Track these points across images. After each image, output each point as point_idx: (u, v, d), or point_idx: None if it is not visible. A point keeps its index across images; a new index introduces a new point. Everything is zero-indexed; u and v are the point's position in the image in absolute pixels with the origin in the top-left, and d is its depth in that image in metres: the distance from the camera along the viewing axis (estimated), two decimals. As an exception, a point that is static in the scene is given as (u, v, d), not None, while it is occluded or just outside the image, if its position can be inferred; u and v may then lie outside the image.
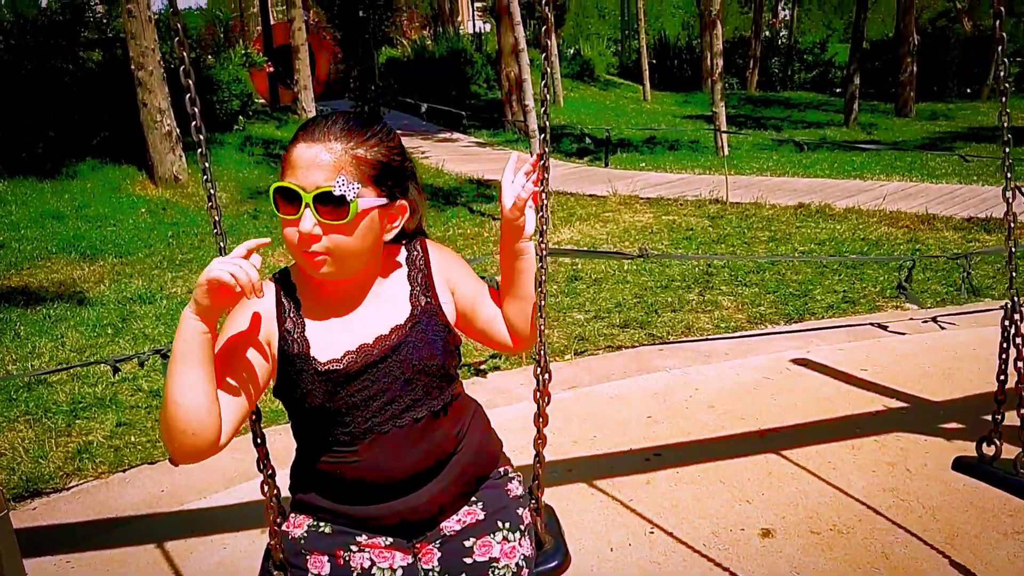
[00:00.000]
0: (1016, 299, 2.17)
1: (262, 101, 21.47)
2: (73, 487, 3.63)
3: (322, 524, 1.64)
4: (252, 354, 1.51)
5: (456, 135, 18.66)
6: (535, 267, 1.64)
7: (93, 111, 13.10)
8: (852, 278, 6.21)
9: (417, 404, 1.57)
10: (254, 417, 1.63)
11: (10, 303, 6.64)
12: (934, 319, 5.18)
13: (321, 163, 1.43)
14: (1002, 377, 2.18)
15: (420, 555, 1.65)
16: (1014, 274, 2.25)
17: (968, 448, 3.57)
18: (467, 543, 1.64)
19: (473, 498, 1.69)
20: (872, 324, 5.19)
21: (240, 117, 16.40)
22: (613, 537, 3.02)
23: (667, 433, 3.83)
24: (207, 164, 1.60)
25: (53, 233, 9.26)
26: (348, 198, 1.42)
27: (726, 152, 14.08)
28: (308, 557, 1.61)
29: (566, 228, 8.58)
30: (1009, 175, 2.19)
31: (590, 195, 10.35)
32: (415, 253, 1.65)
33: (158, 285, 7.03)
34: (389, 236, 1.55)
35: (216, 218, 1.60)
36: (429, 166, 13.31)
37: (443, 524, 1.66)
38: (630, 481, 3.41)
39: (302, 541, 1.63)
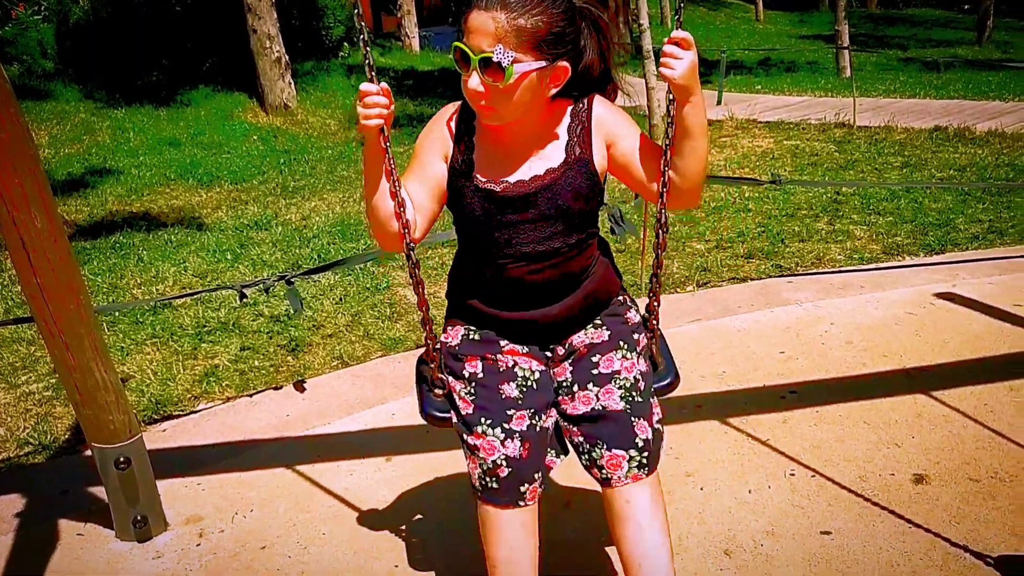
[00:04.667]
0: None
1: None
2: (201, 409, 3.68)
3: (471, 331, 1.99)
4: (433, 166, 1.87)
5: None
6: (696, 123, 1.75)
7: (203, 38, 13.28)
8: (998, 207, 5.75)
9: (558, 235, 1.86)
10: (415, 264, 1.89)
11: (133, 228, 6.82)
12: (1096, 251, 4.75)
13: (486, 30, 1.64)
14: None
15: (555, 370, 1.99)
16: None
17: None
18: (594, 359, 1.95)
19: (598, 321, 1.99)
20: (1024, 256, 4.80)
21: (345, 43, 16.38)
22: (750, 478, 2.86)
23: (803, 370, 3.62)
24: (370, 61, 1.77)
25: (170, 160, 9.49)
26: (503, 64, 1.63)
27: (849, 73, 13.30)
28: (464, 360, 1.96)
29: (680, 154, 8.24)
30: None
31: (704, 120, 9.93)
32: (581, 107, 1.84)
33: (272, 212, 7.10)
34: (551, 93, 1.76)
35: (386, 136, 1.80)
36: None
37: (574, 340, 1.98)
38: (765, 420, 3.23)
39: (457, 347, 1.98)
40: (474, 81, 1.68)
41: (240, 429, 3.48)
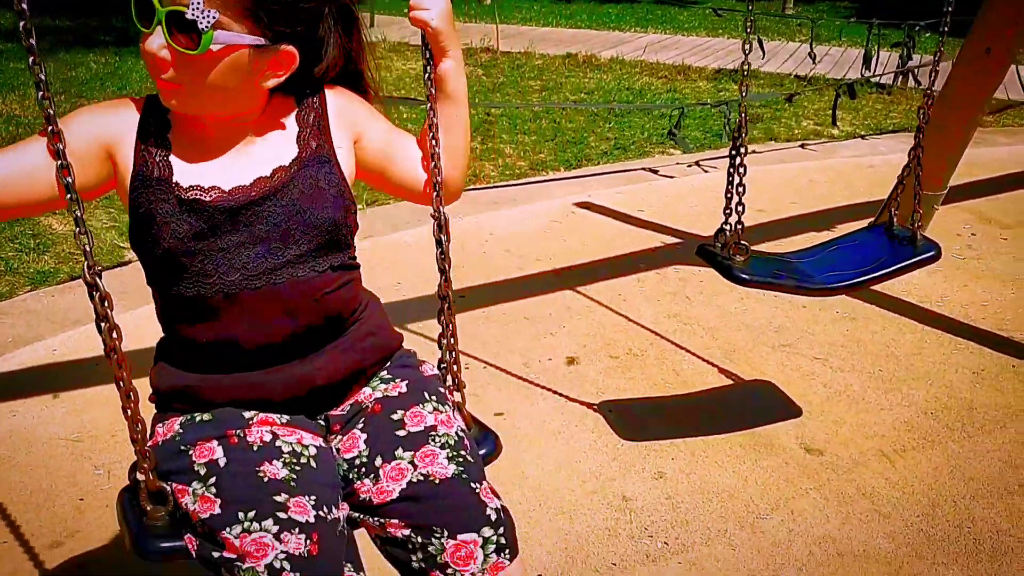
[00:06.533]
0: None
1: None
2: None
3: (197, 416, 1.40)
4: (81, 147, 1.28)
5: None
6: (460, 85, 1.52)
7: None
8: (622, 126, 6.52)
9: (300, 261, 1.36)
10: (103, 297, 1.28)
11: None
12: (697, 163, 5.60)
13: None
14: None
15: (340, 446, 1.45)
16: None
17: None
18: (395, 416, 1.45)
19: (386, 374, 1.53)
20: (644, 169, 5.53)
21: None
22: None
23: (469, 277, 3.94)
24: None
25: None
26: (200, 27, 1.19)
27: (489, 1, 13.96)
28: (191, 451, 1.35)
29: (336, 75, 8.24)
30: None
31: (356, 41, 9.96)
32: (310, 94, 1.42)
33: None
34: (269, 84, 1.32)
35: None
36: None
37: (360, 397, 1.50)
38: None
39: (177, 438, 1.37)
40: (154, 42, 1.22)
41: None
